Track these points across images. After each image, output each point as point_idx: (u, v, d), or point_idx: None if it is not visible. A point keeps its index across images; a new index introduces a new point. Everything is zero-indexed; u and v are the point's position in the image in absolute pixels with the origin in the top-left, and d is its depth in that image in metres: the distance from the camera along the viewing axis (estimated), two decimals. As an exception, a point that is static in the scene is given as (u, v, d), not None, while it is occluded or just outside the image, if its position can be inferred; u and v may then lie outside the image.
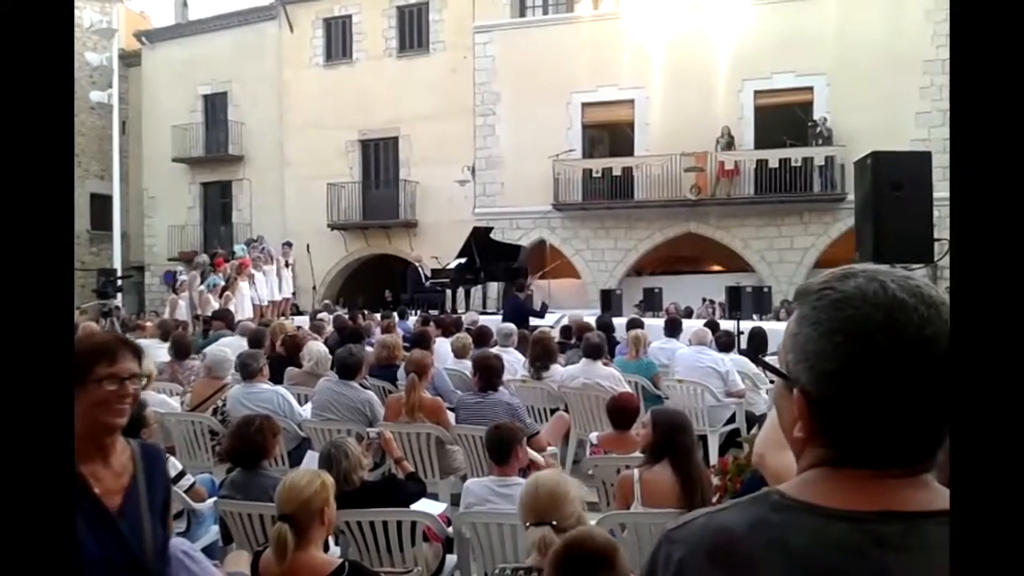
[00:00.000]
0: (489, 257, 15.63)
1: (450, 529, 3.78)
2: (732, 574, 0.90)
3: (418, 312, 14.29)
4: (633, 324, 8.94)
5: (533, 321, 11.51)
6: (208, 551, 3.71)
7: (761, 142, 18.92)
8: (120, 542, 1.91)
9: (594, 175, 19.67)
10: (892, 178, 5.23)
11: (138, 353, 2.06)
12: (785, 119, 18.48)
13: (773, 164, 18.16)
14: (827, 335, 0.90)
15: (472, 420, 5.32)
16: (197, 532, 4.21)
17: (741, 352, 8.11)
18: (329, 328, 10.06)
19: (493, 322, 10.18)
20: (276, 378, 6.47)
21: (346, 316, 12.29)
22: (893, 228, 5.18)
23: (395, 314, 12.49)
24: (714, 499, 3.62)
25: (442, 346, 8.15)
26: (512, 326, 8.17)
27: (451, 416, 5.53)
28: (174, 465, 4.30)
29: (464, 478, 4.98)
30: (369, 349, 7.40)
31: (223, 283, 13.96)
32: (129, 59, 26.01)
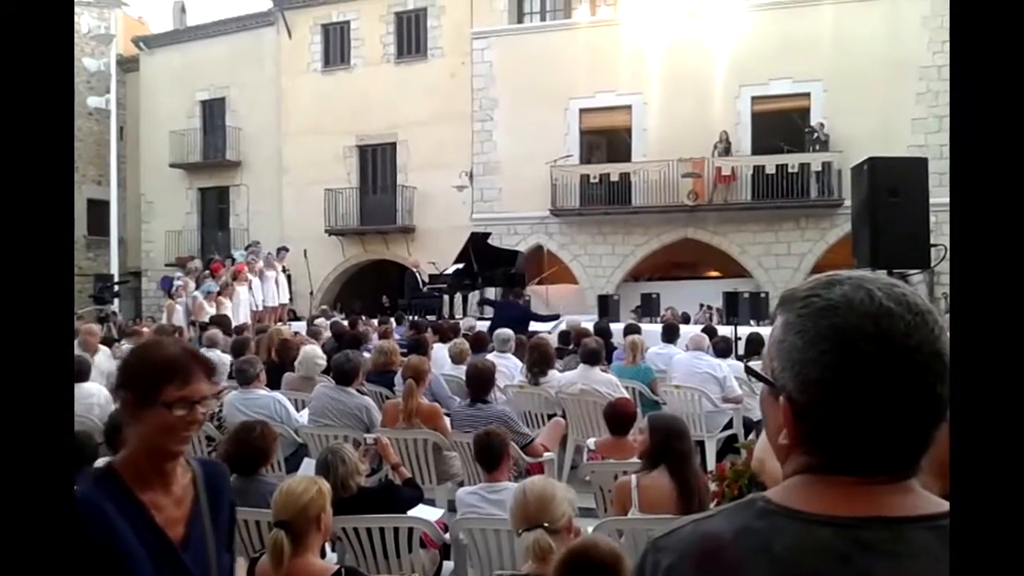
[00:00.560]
0: (487, 263, 15.63)
1: (447, 535, 3.77)
2: None
3: (415, 318, 14.27)
4: (630, 330, 8.94)
5: (533, 326, 11.49)
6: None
7: (758, 148, 18.96)
8: None
9: (592, 181, 19.68)
10: (889, 184, 5.24)
11: (211, 371, 1.85)
12: (782, 125, 18.53)
13: (770, 170, 18.19)
14: (813, 343, 0.90)
15: (465, 430, 5.31)
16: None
17: (738, 358, 8.12)
18: (326, 334, 10.05)
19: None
20: (273, 384, 6.46)
21: (343, 321, 12.27)
22: (890, 234, 5.19)
23: (392, 320, 12.47)
24: (712, 505, 3.62)
25: (439, 352, 8.14)
26: (510, 332, 8.16)
27: (448, 422, 5.52)
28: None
29: (462, 484, 4.97)
30: (366, 355, 7.39)
31: (217, 289, 13.93)
32: (127, 65, 26.03)
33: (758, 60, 18.45)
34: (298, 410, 5.99)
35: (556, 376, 6.93)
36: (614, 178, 19.47)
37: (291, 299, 17.39)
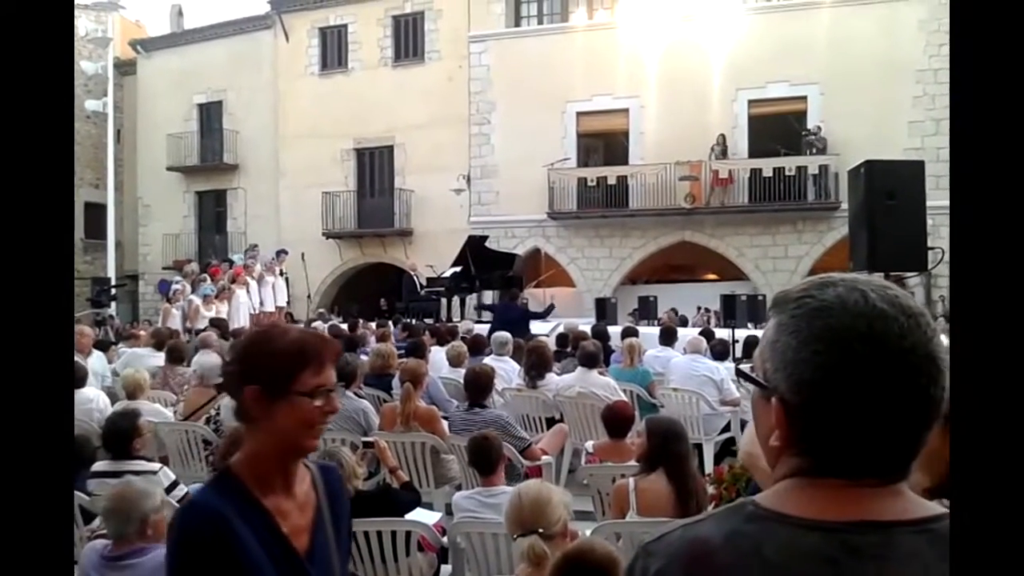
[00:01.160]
0: (484, 266, 15.63)
1: (445, 539, 3.77)
2: None
3: (413, 321, 14.27)
4: (628, 332, 8.95)
5: (533, 325, 11.49)
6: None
7: (755, 151, 18.98)
8: None
9: (589, 184, 19.71)
10: (886, 187, 5.25)
11: (339, 355, 1.70)
12: (779, 128, 18.55)
13: (767, 173, 18.22)
14: (806, 343, 0.90)
15: (462, 434, 5.30)
16: (191, 542, 4.18)
17: (736, 360, 8.12)
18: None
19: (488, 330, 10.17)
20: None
21: (341, 324, 12.26)
22: (887, 236, 5.20)
23: (390, 323, 12.46)
24: (710, 507, 3.62)
25: (437, 355, 8.13)
26: (507, 335, 8.16)
27: (446, 425, 5.52)
28: (167, 475, 4.28)
29: (459, 487, 4.97)
30: (364, 358, 7.39)
31: (214, 293, 13.92)
32: (124, 68, 26.02)
33: (755, 63, 18.48)
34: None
35: (554, 379, 6.93)
36: (611, 181, 19.49)
37: (289, 302, 17.37)
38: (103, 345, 9.11)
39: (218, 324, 10.98)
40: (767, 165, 18.26)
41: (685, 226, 19.39)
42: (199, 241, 24.94)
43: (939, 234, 6.78)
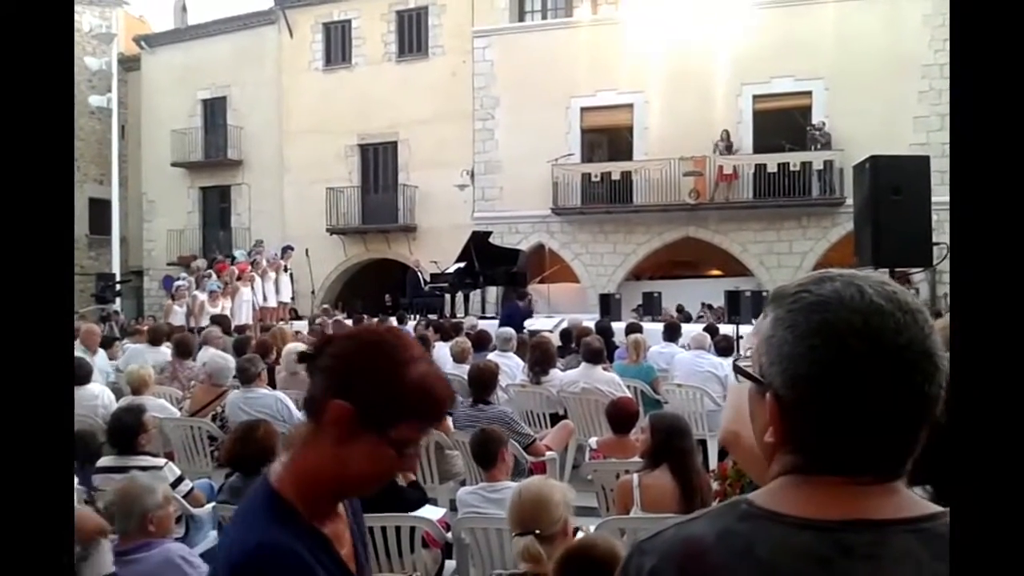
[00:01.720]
0: (488, 261, 15.64)
1: (449, 534, 3.77)
2: None
3: (417, 317, 14.28)
4: (632, 328, 8.93)
5: (529, 324, 11.50)
6: (206, 556, 3.70)
7: (760, 146, 18.94)
8: None
9: (593, 179, 19.67)
10: (891, 182, 5.24)
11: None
12: (784, 123, 18.51)
13: (772, 168, 18.17)
14: (802, 338, 0.89)
15: (466, 430, 5.31)
16: (196, 537, 4.20)
17: (737, 358, 8.11)
18: (328, 332, 10.05)
19: (492, 326, 10.18)
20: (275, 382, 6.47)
21: (345, 321, 12.27)
22: (892, 232, 5.19)
23: (394, 319, 12.48)
24: (714, 503, 3.62)
25: (441, 351, 8.14)
26: (511, 331, 8.17)
27: (450, 421, 5.52)
28: (172, 470, 4.30)
29: (464, 483, 4.97)
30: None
31: (220, 289, 13.95)
32: (128, 63, 26.03)
33: (760, 58, 18.42)
34: (300, 409, 6.00)
35: (558, 375, 6.93)
36: (615, 177, 19.45)
37: (293, 298, 17.40)
38: (107, 341, 9.14)
39: (220, 321, 10.99)
40: (772, 161, 18.21)
41: (689, 222, 19.36)
42: (203, 237, 24.97)
43: (944, 230, 6.72)
